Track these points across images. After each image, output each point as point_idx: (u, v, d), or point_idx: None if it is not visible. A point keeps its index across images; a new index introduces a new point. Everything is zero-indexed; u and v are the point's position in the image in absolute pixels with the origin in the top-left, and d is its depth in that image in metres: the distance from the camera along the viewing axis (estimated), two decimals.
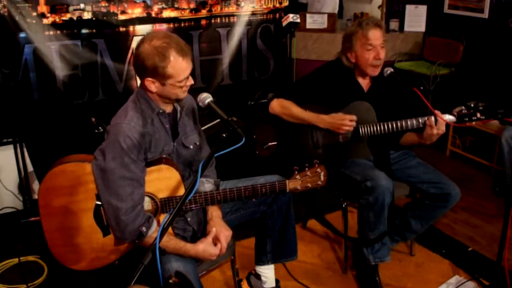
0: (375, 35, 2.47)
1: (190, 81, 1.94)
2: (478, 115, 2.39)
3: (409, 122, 2.48)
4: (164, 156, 1.99)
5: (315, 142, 2.60)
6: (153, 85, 1.88)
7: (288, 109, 2.57)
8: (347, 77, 2.60)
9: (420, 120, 2.46)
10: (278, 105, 2.59)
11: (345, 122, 2.49)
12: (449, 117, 2.42)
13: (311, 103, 2.58)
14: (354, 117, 2.50)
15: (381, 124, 2.50)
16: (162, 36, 1.86)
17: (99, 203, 1.91)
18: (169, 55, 1.83)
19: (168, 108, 2.02)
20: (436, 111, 2.39)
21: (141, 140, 1.87)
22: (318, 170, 2.09)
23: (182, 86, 1.90)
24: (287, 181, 2.08)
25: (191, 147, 2.10)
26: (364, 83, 2.62)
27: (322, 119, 2.53)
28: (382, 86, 2.61)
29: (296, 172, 2.08)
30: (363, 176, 2.43)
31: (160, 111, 1.96)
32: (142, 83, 1.92)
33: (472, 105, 2.40)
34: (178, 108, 2.06)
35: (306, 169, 2.09)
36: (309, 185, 2.09)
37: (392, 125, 2.49)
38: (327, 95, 2.57)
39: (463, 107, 2.42)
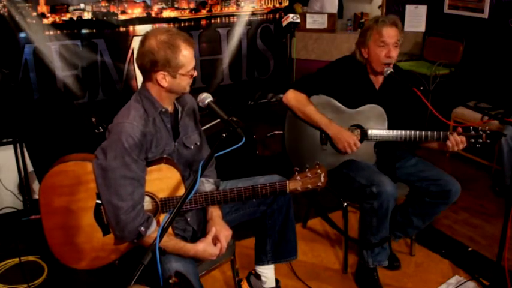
0: (389, 33, 2.48)
1: (195, 72, 1.96)
2: (484, 138, 2.46)
3: (418, 134, 2.51)
4: (165, 156, 1.99)
5: (323, 138, 2.61)
6: (164, 80, 1.90)
7: (303, 105, 2.56)
8: (360, 74, 2.61)
9: (431, 134, 2.50)
10: (294, 99, 2.59)
11: (350, 144, 2.51)
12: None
13: (325, 96, 2.60)
14: (359, 145, 2.53)
15: (390, 132, 2.53)
16: (165, 30, 1.91)
17: (100, 202, 1.92)
18: (179, 45, 1.87)
19: (170, 108, 2.02)
20: (454, 136, 2.45)
21: (142, 139, 1.88)
22: (319, 171, 2.09)
23: (191, 75, 1.93)
24: (287, 182, 2.08)
25: (192, 147, 2.10)
26: (376, 80, 2.63)
27: (333, 128, 2.54)
28: (393, 85, 2.62)
29: (296, 173, 2.08)
30: (368, 181, 2.43)
31: (163, 110, 1.97)
32: (152, 80, 1.92)
33: (479, 128, 2.49)
34: (180, 108, 2.06)
35: (307, 170, 2.09)
36: (309, 186, 2.09)
37: (401, 135, 2.51)
38: (340, 90, 2.58)
39: (471, 128, 2.49)
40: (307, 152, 2.62)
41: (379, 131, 2.55)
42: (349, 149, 2.53)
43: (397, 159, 2.70)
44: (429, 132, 2.51)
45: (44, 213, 1.94)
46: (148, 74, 1.92)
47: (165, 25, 4.12)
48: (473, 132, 2.47)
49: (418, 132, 2.52)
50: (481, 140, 2.47)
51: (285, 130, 2.68)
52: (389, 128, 2.57)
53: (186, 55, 1.89)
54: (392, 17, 2.56)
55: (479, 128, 2.49)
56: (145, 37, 1.89)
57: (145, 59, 1.88)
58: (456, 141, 2.45)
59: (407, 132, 2.52)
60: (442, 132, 2.50)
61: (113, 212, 1.86)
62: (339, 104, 2.60)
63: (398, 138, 2.53)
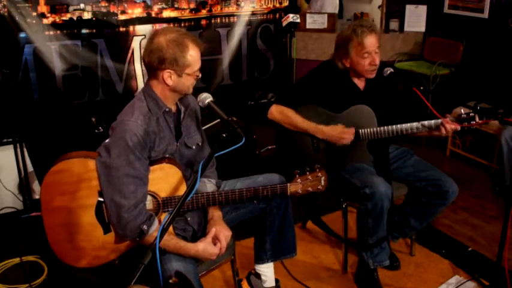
0: (371, 42, 2.45)
1: (200, 74, 1.97)
2: (477, 119, 2.42)
3: (409, 126, 2.49)
4: (167, 155, 2.00)
5: (316, 146, 2.60)
6: (170, 78, 1.91)
7: (288, 117, 2.55)
8: (342, 78, 2.60)
9: (422, 125, 2.48)
10: (278, 112, 2.57)
11: (345, 135, 2.50)
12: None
13: (310, 105, 2.58)
14: (353, 131, 2.51)
15: (381, 128, 2.51)
16: (174, 29, 1.92)
17: (101, 199, 1.92)
18: (188, 44, 1.88)
19: (173, 108, 2.03)
20: (445, 121, 2.43)
21: (146, 137, 1.88)
22: (319, 174, 2.10)
23: (196, 75, 1.95)
24: (288, 184, 2.09)
25: (193, 147, 2.11)
26: (360, 82, 2.62)
27: (321, 130, 2.52)
28: (377, 84, 2.62)
29: (297, 176, 2.09)
30: (361, 182, 2.43)
31: (167, 109, 1.98)
32: (157, 78, 1.92)
33: (470, 109, 2.46)
34: (182, 109, 2.07)
35: (307, 173, 2.10)
36: (310, 189, 2.10)
37: (392, 129, 2.50)
38: (324, 97, 2.57)
39: (462, 111, 2.46)
40: (302, 162, 2.60)
41: (371, 130, 2.54)
42: (346, 139, 2.50)
43: (396, 159, 2.69)
44: (421, 124, 2.49)
45: (45, 210, 1.94)
46: (155, 71, 1.92)
47: (165, 25, 4.13)
48: (464, 115, 2.44)
49: (409, 124, 2.50)
50: (474, 122, 2.43)
51: (277, 144, 2.68)
52: (380, 126, 2.55)
53: (193, 55, 1.90)
54: (367, 23, 2.53)
55: (471, 111, 2.46)
56: (154, 35, 1.90)
57: (153, 56, 1.88)
58: (450, 129, 2.43)
59: (399, 126, 2.50)
60: (433, 121, 2.47)
61: (115, 209, 1.86)
62: (326, 111, 2.58)
63: (391, 133, 2.50)
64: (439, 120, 2.44)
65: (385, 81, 2.58)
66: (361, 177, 2.45)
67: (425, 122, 2.48)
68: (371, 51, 2.46)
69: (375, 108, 2.56)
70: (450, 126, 2.42)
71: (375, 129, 2.52)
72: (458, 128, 2.42)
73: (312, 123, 2.53)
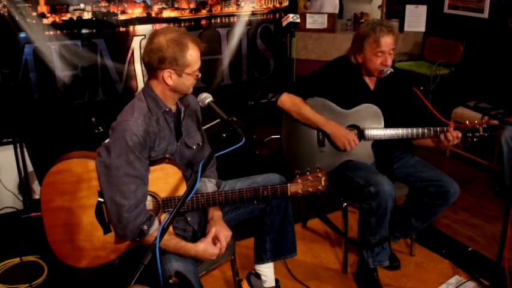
0: (387, 42, 2.46)
1: (200, 73, 1.98)
2: (481, 131, 2.48)
3: (415, 131, 2.51)
4: (167, 156, 2.00)
5: (320, 139, 2.61)
6: (170, 78, 1.91)
7: (298, 107, 2.57)
8: (354, 75, 2.61)
9: (428, 129, 2.50)
10: (289, 101, 2.59)
11: (349, 140, 2.52)
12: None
13: (320, 98, 2.60)
14: (358, 142, 2.53)
15: (387, 131, 2.52)
16: (174, 29, 1.93)
17: (102, 200, 1.92)
18: (188, 44, 1.88)
19: (173, 108, 2.03)
20: (451, 126, 2.46)
21: (146, 137, 1.89)
22: (319, 174, 2.10)
23: (196, 75, 1.95)
24: (288, 184, 2.09)
25: (194, 147, 2.12)
26: (371, 81, 2.63)
27: (330, 125, 2.54)
28: (388, 85, 2.62)
29: (298, 176, 2.09)
30: (366, 181, 2.43)
31: (167, 109, 1.98)
32: (157, 78, 1.93)
33: (476, 122, 2.50)
34: (182, 109, 2.07)
35: (308, 173, 2.10)
36: (310, 189, 2.10)
37: (398, 133, 2.51)
38: (335, 91, 2.58)
39: (467, 122, 2.50)
40: (305, 155, 2.62)
41: (376, 131, 2.55)
42: (349, 146, 2.53)
43: (396, 159, 2.70)
44: (426, 129, 2.51)
45: (45, 210, 1.94)
46: (155, 71, 1.92)
47: (165, 25, 4.13)
48: (469, 127, 2.47)
49: (415, 129, 2.52)
50: (478, 134, 2.47)
51: (282, 134, 2.69)
52: (386, 127, 2.57)
53: (193, 55, 1.90)
54: (388, 23, 2.54)
55: (476, 122, 2.50)
56: (154, 34, 1.90)
57: (152, 55, 1.88)
58: (452, 136, 2.45)
59: (404, 130, 2.52)
60: (438, 128, 2.49)
61: (115, 210, 1.86)
62: (334, 106, 2.60)
63: (396, 136, 2.53)
64: (444, 127, 2.46)
65: (395, 83, 2.59)
66: (365, 176, 2.46)
67: (431, 128, 2.50)
68: (385, 51, 2.47)
69: (383, 109, 2.57)
70: (452, 133, 2.45)
71: (381, 131, 2.53)
72: (460, 137, 2.47)
73: (322, 116, 2.55)
